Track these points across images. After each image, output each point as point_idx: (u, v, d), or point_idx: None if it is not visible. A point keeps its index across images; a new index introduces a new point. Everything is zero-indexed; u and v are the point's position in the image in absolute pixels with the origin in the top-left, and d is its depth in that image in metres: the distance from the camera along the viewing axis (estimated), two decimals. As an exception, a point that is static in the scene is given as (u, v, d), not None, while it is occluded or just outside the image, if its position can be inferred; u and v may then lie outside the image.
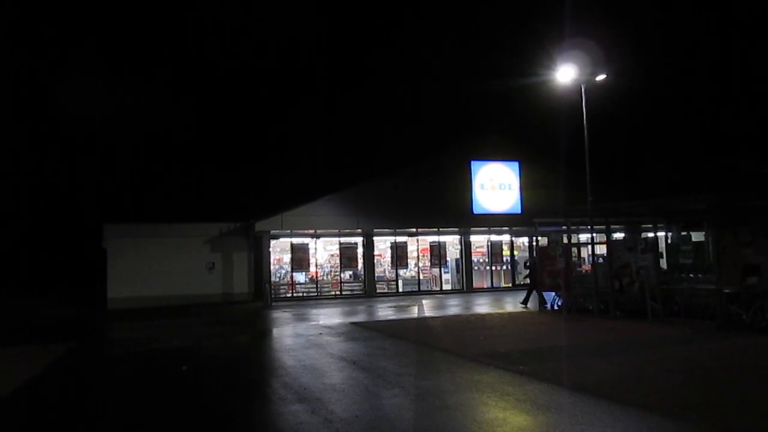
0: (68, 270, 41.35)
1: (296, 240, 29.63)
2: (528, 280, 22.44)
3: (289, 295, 29.26)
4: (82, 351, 15.12)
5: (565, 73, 20.26)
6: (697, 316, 14.79)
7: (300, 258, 29.58)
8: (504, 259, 32.83)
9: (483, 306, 23.18)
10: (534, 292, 21.27)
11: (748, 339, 12.25)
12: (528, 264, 23.04)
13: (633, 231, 24.25)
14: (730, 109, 52.95)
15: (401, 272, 31.08)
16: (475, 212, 31.67)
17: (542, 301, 20.02)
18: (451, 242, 32.35)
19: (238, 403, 8.79)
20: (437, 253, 31.56)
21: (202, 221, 30.91)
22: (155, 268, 28.78)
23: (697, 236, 21.15)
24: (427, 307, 23.30)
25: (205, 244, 30.02)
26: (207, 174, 44.82)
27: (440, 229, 31.37)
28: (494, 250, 32.59)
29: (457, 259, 32.15)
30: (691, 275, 16.70)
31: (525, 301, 21.24)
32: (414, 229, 30.96)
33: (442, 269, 31.75)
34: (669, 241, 22.84)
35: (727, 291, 13.75)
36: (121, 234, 29.03)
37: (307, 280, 29.93)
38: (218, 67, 59.72)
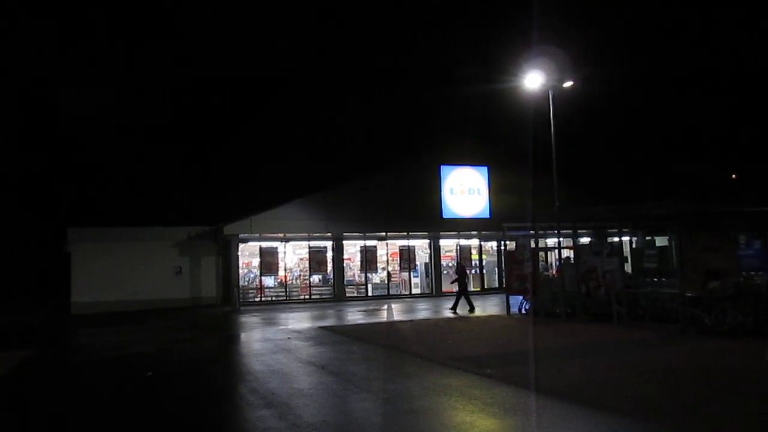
0: (30, 275, 40.41)
1: (265, 244, 29.41)
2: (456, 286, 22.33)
3: (258, 299, 29.01)
4: (42, 358, 14.78)
5: (533, 80, 20.51)
6: (661, 319, 15.03)
7: (269, 262, 29.38)
8: (473, 263, 33.03)
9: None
10: (462, 297, 21.40)
11: (711, 342, 12.49)
12: (456, 270, 22.89)
13: (599, 236, 24.56)
14: (694, 118, 54.15)
15: (371, 276, 31.06)
16: (444, 217, 31.80)
17: (514, 306, 20.10)
18: (421, 246, 32.45)
19: (204, 409, 8.69)
20: (407, 257, 31.63)
21: (169, 225, 30.48)
22: (121, 272, 28.28)
23: (661, 241, 21.51)
24: (396, 311, 23.33)
25: (173, 248, 29.61)
26: (175, 177, 44.27)
27: (410, 234, 31.43)
28: (463, 254, 32.77)
29: (426, 263, 32.25)
30: (655, 279, 16.97)
31: (454, 307, 21.24)
32: (383, 234, 30.97)
33: (412, 273, 31.82)
34: (634, 246, 23.21)
35: (689, 295, 14.00)
36: (85, 237, 28.46)
37: (276, 284, 29.72)
38: (187, 70, 59.15)
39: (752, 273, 15.69)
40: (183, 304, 28.81)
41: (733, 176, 43.94)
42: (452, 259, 32.73)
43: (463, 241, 32.92)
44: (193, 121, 54.85)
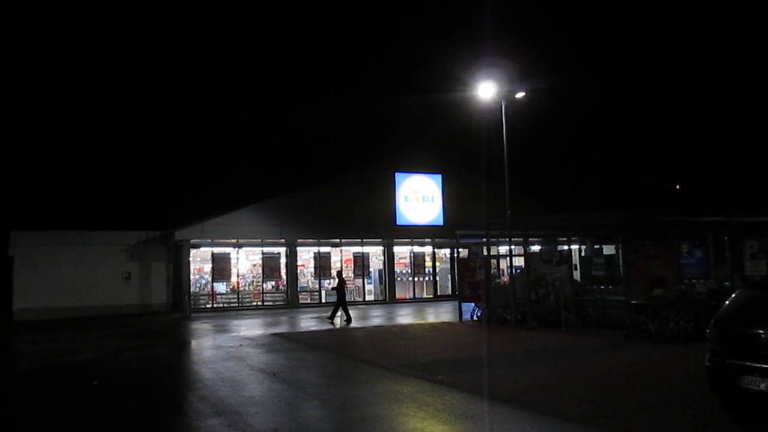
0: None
1: (217, 249, 29.03)
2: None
3: (210, 305, 28.58)
4: (-18, 366, 14.25)
5: (486, 90, 20.80)
6: (607, 326, 15.42)
7: (221, 268, 28.98)
8: (426, 270, 33.27)
9: (405, 317, 23.39)
10: (341, 308, 21.33)
11: (654, 348, 12.87)
12: (336, 279, 22.77)
13: (549, 244, 25.09)
14: (641, 129, 55.80)
15: (324, 283, 30.96)
16: (398, 223, 31.96)
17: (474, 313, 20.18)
18: (375, 253, 32.51)
19: (152, 418, 8.53)
20: (361, 264, 31.64)
21: (118, 229, 29.80)
22: (67, 277, 27.49)
23: (608, 249, 22.10)
24: (349, 318, 23.27)
25: (122, 252, 28.95)
26: (125, 180, 43.32)
27: (364, 240, 31.47)
28: (417, 261, 32.99)
29: (380, 270, 32.33)
30: (602, 287, 17.41)
31: (332, 317, 21.22)
32: (338, 240, 30.94)
33: (366, 280, 31.84)
34: (582, 254, 23.77)
35: (634, 302, 14.41)
36: (29, 241, 27.58)
37: (228, 290, 29.34)
38: (141, 70, 57.99)
39: (694, 281, 16.24)
40: (132, 311, 28.17)
41: (677, 187, 45.42)
42: (406, 266, 32.91)
43: (417, 248, 33.14)
44: (145, 124, 53.85)
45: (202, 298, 28.72)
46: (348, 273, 31.50)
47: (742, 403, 6.92)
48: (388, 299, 31.45)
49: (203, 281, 29.13)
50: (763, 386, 6.40)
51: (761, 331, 6.66)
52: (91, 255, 28.31)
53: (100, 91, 54.35)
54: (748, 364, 6.57)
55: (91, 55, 56.27)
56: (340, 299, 21.59)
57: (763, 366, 6.43)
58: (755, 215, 18.05)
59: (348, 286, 31.22)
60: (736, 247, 15.71)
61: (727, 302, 7.52)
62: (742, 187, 40.62)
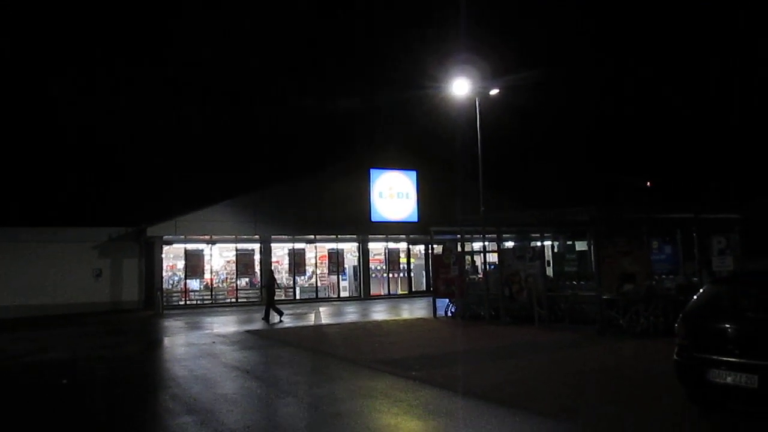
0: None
1: (191, 246, 28.75)
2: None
3: (183, 303, 28.31)
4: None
5: (460, 87, 20.92)
6: (579, 321, 15.61)
7: (194, 265, 28.73)
8: (401, 266, 33.35)
9: (380, 313, 23.41)
10: (272, 306, 21.02)
11: (625, 343, 13.06)
12: (265, 276, 22.75)
13: (523, 240, 25.31)
14: (614, 127, 56.49)
15: (299, 279, 30.86)
16: (373, 220, 31.97)
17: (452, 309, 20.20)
18: (349, 249, 32.49)
19: (122, 417, 8.42)
20: (335, 261, 31.60)
21: (89, 225, 29.32)
22: (36, 275, 27.01)
23: (580, 245, 22.37)
24: (324, 315, 23.26)
25: (93, 249, 28.51)
26: (95, 175, 42.56)
27: (338, 237, 31.43)
28: (391, 257, 33.05)
29: (354, 267, 32.32)
30: (574, 282, 17.63)
31: (266, 316, 20.85)
32: (312, 236, 30.85)
33: (340, 276, 31.81)
34: (555, 250, 24.02)
35: (606, 297, 14.60)
36: (-4, 238, 27.05)
37: (201, 287, 29.08)
38: (111, 62, 57.06)
39: (663, 276, 16.54)
40: (103, 309, 27.77)
41: (648, 184, 46.09)
42: (380, 262, 32.95)
43: (392, 245, 33.19)
44: (116, 118, 53.04)
45: (175, 295, 28.43)
46: (323, 269, 31.48)
47: (709, 396, 7.04)
48: (362, 296, 31.46)
49: (176, 278, 28.85)
50: (729, 379, 6.52)
51: (727, 326, 6.79)
52: (61, 252, 27.84)
53: (69, 83, 53.39)
54: (714, 357, 6.70)
55: (59, 44, 55.22)
56: (270, 296, 21.32)
57: (729, 359, 6.55)
58: (723, 212, 18.40)
59: (322, 282, 31.29)
60: (705, 244, 16.00)
61: (694, 297, 7.66)
62: (710, 184, 41.33)
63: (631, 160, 50.39)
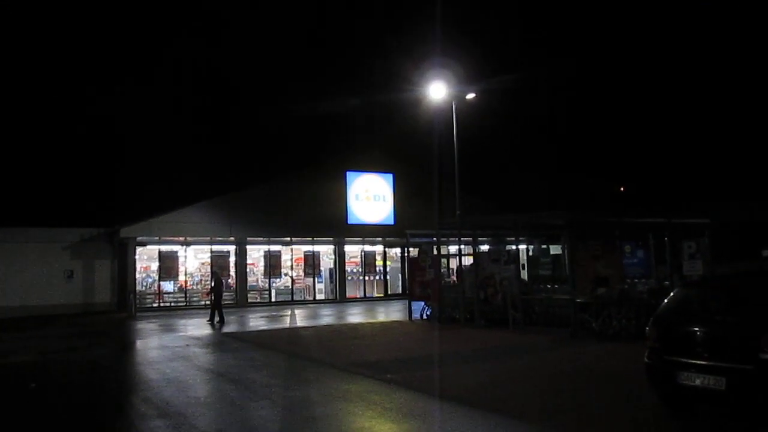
0: None
1: (165, 247, 28.46)
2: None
3: (156, 304, 28.01)
4: None
5: (437, 90, 20.97)
6: (554, 324, 15.73)
7: (168, 266, 28.45)
8: (377, 269, 33.36)
9: (356, 316, 23.39)
10: (218, 309, 20.92)
11: (597, 346, 13.19)
12: (213, 281, 22.43)
13: (498, 243, 25.44)
14: (590, 132, 57.16)
15: (274, 282, 30.70)
16: (349, 222, 31.93)
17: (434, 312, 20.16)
18: (326, 252, 32.42)
19: (92, 422, 8.30)
20: (311, 263, 31.50)
21: (60, 226, 28.86)
22: (5, 276, 26.53)
23: (555, 249, 22.54)
24: (299, 317, 23.17)
25: (64, 250, 28.06)
26: (67, 174, 41.91)
27: (315, 239, 31.34)
28: (368, 260, 33.04)
29: (331, 269, 32.25)
30: (549, 286, 17.75)
31: (211, 319, 20.83)
32: (288, 239, 30.73)
33: (316, 279, 31.71)
34: (530, 254, 24.18)
35: (579, 301, 14.74)
36: (-38, 238, 26.49)
37: (175, 289, 28.79)
38: (83, 60, 56.28)
39: (636, 280, 16.74)
40: (75, 311, 27.34)
41: (621, 189, 46.70)
42: (357, 265, 32.92)
43: (368, 247, 33.19)
44: (90, 117, 52.25)
45: (149, 297, 28.12)
46: (299, 272, 31.36)
47: (679, 399, 7.16)
48: (338, 298, 31.40)
49: (150, 280, 28.53)
50: (698, 381, 6.63)
51: (696, 329, 6.90)
52: (31, 253, 27.36)
53: (39, 80, 52.56)
54: (684, 360, 6.80)
55: (31, 40, 54.36)
56: (216, 299, 21.13)
57: (699, 362, 6.66)
58: (694, 217, 18.70)
59: (298, 284, 31.16)
60: (676, 248, 16.24)
61: (665, 301, 7.77)
62: (682, 189, 42.02)
63: (606, 165, 51.04)
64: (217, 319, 20.74)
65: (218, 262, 29.27)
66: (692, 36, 59.63)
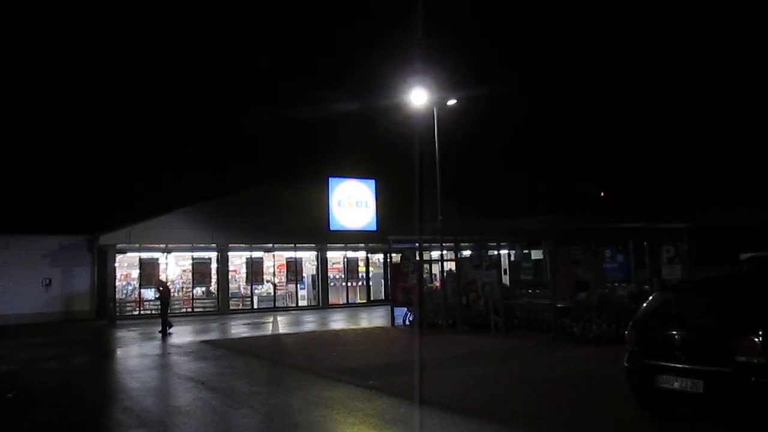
0: None
1: (145, 255, 28.21)
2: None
3: (137, 312, 27.71)
4: None
5: (419, 97, 21.04)
6: (535, 329, 15.81)
7: (149, 273, 28.16)
8: (360, 275, 33.31)
9: (338, 322, 23.34)
10: (163, 319, 20.54)
11: (578, 350, 13.27)
12: (159, 289, 22.23)
13: (480, 248, 25.55)
14: (571, 138, 57.64)
15: (256, 288, 30.54)
16: (332, 228, 31.85)
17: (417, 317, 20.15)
18: (308, 258, 32.32)
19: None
20: (294, 269, 31.38)
21: (38, 233, 28.48)
22: (-19, 284, 26.10)
23: (536, 254, 22.69)
24: (282, 324, 23.06)
25: (42, 258, 27.67)
26: (45, 181, 41.40)
27: (297, 245, 31.24)
28: (350, 266, 32.99)
29: (313, 275, 32.16)
30: (530, 291, 17.85)
31: (163, 330, 20.12)
32: (270, 245, 30.60)
33: (299, 285, 31.59)
34: (512, 259, 24.32)
35: (560, 305, 14.84)
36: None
37: (156, 296, 28.49)
38: (62, 65, 55.74)
39: (616, 284, 16.90)
40: (54, 319, 26.95)
41: (602, 194, 47.11)
42: (339, 271, 32.86)
43: (351, 253, 33.14)
44: (67, 123, 51.70)
45: (129, 304, 27.83)
46: (281, 278, 31.22)
47: (658, 402, 7.22)
48: (321, 305, 31.30)
49: (130, 287, 28.24)
50: (676, 385, 6.70)
51: (674, 332, 6.98)
52: (8, 260, 26.94)
53: (16, 86, 51.96)
54: (663, 363, 6.88)
55: (9, 44, 53.73)
56: (163, 308, 20.88)
57: (677, 365, 6.73)
58: (674, 221, 18.92)
59: (280, 291, 31.02)
60: (655, 252, 16.42)
61: (644, 305, 7.85)
62: (663, 194, 42.49)
63: (588, 170, 51.47)
64: (160, 329, 20.22)
65: (200, 269, 29.08)
66: (672, 42, 60.45)
